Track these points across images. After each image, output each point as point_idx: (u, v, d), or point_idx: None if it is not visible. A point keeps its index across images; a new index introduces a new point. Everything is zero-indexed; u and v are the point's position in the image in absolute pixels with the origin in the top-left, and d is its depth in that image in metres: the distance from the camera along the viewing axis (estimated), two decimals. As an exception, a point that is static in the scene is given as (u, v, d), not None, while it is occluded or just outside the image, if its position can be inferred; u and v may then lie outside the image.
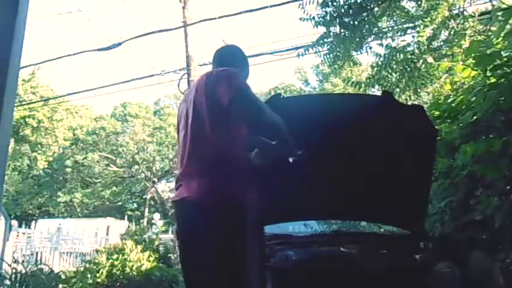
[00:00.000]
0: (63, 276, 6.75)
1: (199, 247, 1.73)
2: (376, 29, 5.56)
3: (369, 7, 5.25)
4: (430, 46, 5.25)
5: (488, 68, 3.08)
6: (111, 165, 25.36)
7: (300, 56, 6.02)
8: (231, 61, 2.10)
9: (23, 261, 7.04)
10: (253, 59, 9.43)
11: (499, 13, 3.85)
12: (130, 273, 6.38)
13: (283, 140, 1.89)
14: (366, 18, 5.28)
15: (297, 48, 7.48)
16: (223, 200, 1.70)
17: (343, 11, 5.26)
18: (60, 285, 6.50)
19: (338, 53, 5.56)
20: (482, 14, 5.31)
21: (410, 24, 5.53)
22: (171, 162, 25.80)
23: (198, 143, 1.81)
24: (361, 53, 5.81)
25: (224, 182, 1.74)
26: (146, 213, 24.49)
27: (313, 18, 5.42)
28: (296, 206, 2.94)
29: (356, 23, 5.27)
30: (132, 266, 6.50)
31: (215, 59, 2.19)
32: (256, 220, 1.76)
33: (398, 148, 2.71)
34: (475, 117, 3.13)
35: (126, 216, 22.22)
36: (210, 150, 1.78)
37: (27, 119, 21.56)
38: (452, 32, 5.22)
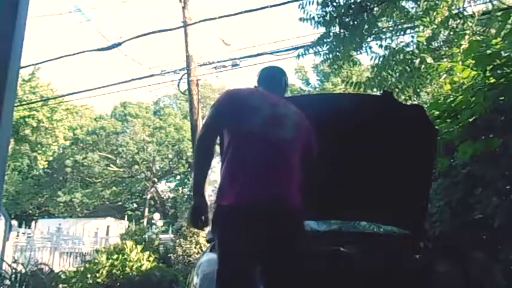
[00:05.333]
0: (63, 276, 6.76)
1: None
2: (375, 29, 5.55)
3: (368, 7, 5.25)
4: (430, 46, 5.25)
5: (487, 68, 3.08)
6: (111, 165, 25.37)
7: (300, 57, 6.01)
8: (284, 89, 2.41)
9: (23, 262, 7.05)
10: (253, 59, 9.43)
11: (499, 13, 3.86)
12: (131, 273, 6.39)
13: None
14: (366, 18, 5.27)
15: (297, 48, 7.49)
16: (300, 209, 2.05)
17: (343, 11, 5.26)
18: (60, 285, 6.52)
19: (338, 53, 5.56)
20: (482, 14, 5.31)
21: (410, 25, 5.53)
22: (171, 162, 25.82)
23: (288, 160, 2.09)
24: (361, 53, 5.81)
25: (298, 196, 2.07)
26: (146, 213, 24.49)
27: (313, 18, 5.41)
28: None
29: (356, 23, 5.27)
30: (132, 266, 6.51)
31: (273, 81, 2.36)
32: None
33: (398, 148, 2.71)
34: (474, 117, 3.14)
35: (126, 216, 22.17)
36: (293, 171, 2.09)
37: (27, 119, 21.50)
38: (451, 32, 5.22)
